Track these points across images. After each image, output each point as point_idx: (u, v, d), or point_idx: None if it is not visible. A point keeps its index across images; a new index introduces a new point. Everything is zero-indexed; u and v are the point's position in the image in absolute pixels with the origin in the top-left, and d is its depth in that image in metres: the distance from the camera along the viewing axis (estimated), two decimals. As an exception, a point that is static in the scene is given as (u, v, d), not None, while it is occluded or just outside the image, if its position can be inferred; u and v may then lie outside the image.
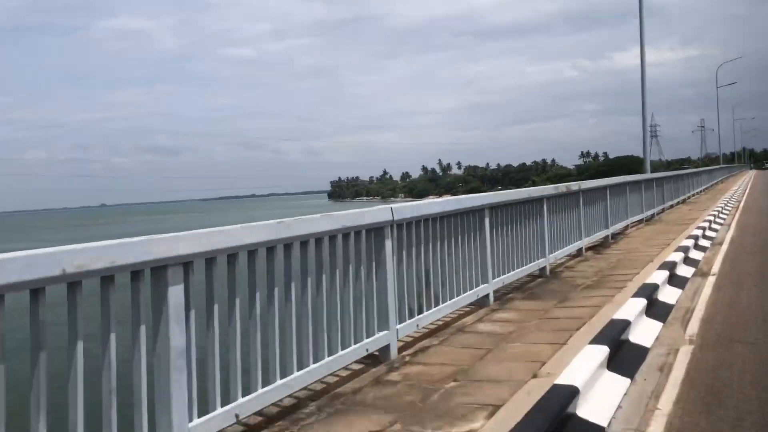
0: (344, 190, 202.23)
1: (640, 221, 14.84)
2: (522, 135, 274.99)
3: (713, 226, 13.38)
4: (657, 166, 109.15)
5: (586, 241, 10.14)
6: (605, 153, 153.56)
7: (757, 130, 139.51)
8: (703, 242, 10.88)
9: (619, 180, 12.86)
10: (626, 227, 13.49)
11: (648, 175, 17.47)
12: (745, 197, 25.43)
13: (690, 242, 9.90)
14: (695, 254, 9.44)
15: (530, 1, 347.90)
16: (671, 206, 20.10)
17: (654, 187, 17.18)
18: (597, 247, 10.82)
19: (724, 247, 10.71)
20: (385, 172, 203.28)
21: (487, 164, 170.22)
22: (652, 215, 16.51)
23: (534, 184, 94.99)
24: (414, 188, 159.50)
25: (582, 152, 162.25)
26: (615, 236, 12.12)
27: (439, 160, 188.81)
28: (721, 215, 15.91)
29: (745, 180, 44.93)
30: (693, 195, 26.34)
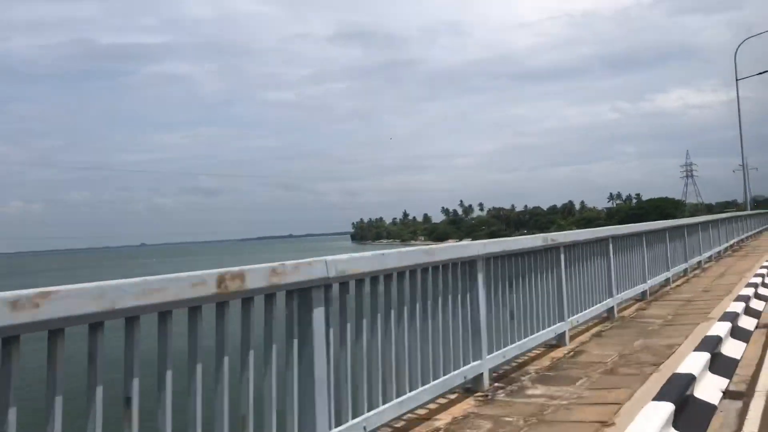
0: (366, 232, 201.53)
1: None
2: (561, 177, 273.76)
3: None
4: (696, 210, 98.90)
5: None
6: (638, 194, 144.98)
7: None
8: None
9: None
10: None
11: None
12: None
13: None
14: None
15: (568, 45, 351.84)
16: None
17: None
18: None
19: None
20: (406, 214, 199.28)
21: (513, 206, 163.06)
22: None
23: (559, 227, 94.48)
24: (434, 231, 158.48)
25: (611, 194, 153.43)
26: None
27: (461, 201, 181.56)
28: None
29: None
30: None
